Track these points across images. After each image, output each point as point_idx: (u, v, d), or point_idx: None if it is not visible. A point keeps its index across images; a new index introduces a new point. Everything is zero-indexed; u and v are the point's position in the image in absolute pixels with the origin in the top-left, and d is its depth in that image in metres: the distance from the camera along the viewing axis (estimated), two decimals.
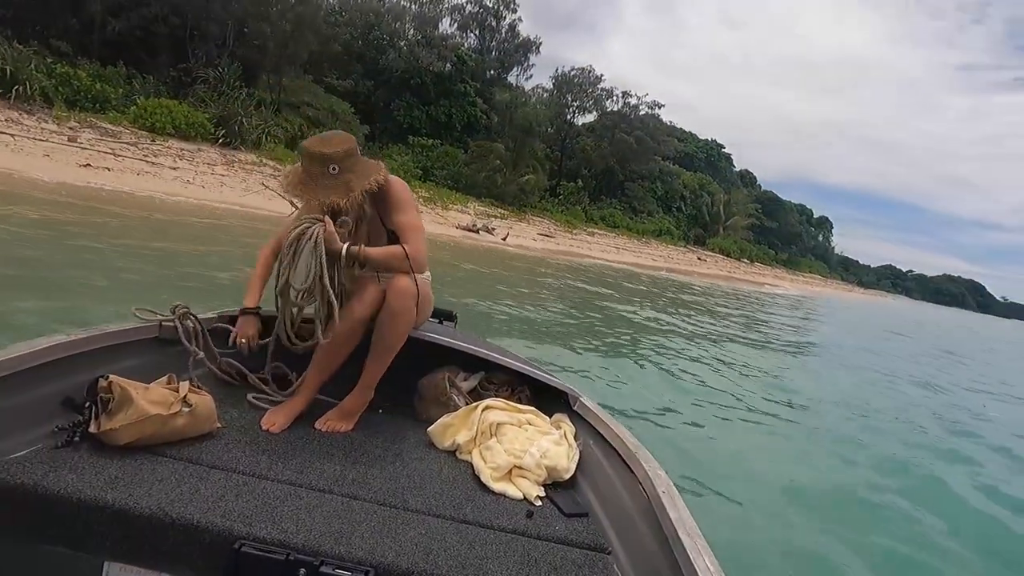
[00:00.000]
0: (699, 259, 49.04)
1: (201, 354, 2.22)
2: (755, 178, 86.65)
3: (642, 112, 48.86)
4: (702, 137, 74.74)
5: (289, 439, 2.01)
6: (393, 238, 2.26)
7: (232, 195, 17.79)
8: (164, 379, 1.89)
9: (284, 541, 1.40)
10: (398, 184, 2.30)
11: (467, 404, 2.34)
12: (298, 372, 2.31)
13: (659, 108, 50.43)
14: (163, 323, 2.18)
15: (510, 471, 1.99)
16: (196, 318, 2.26)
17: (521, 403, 2.36)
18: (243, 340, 2.32)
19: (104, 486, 1.45)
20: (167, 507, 1.42)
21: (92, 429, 1.66)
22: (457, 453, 2.17)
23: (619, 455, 1.96)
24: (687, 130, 70.74)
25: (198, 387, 1.94)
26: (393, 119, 35.98)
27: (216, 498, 1.51)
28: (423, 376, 2.56)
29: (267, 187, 18.56)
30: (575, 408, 2.36)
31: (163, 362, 2.11)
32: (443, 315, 3.03)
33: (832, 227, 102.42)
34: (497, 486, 1.93)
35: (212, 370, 2.31)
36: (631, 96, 47.99)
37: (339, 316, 2.09)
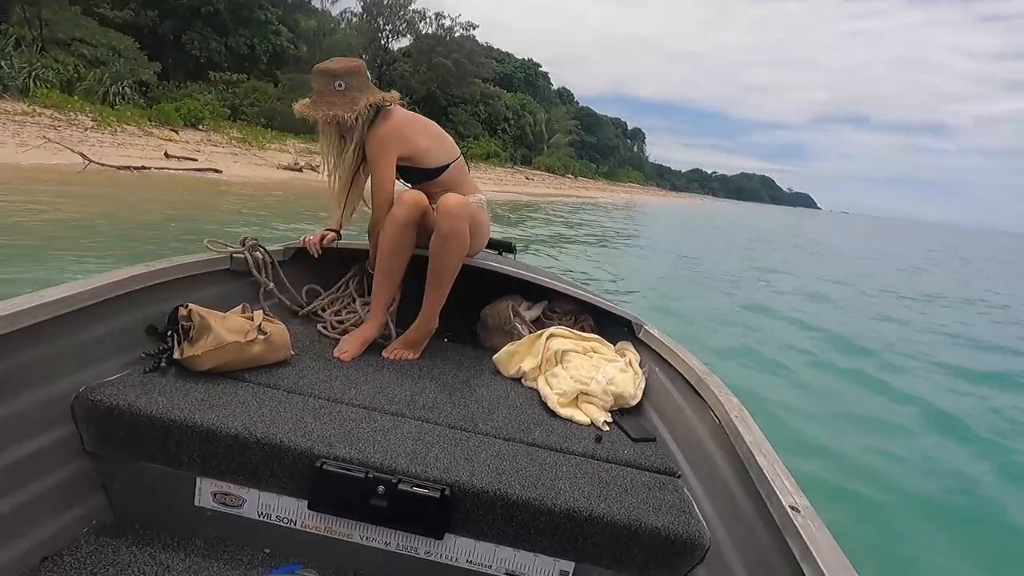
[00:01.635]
0: (527, 178, 48.62)
1: (271, 284, 2.30)
2: (572, 95, 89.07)
3: (457, 34, 48.56)
4: (519, 57, 75.22)
5: (360, 366, 2.06)
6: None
7: (7, 154, 14.56)
8: (239, 308, 1.94)
9: (362, 460, 1.46)
10: (395, 114, 2.30)
11: (531, 332, 2.34)
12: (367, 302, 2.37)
13: (473, 29, 50.51)
14: (234, 255, 2.24)
15: (576, 397, 2.01)
16: (265, 250, 2.32)
17: (585, 331, 2.36)
18: (310, 238, 2.41)
19: (192, 408, 1.52)
20: (251, 428, 1.49)
21: (176, 355, 1.72)
22: (523, 380, 2.19)
23: (687, 381, 1.97)
24: (504, 51, 71.93)
25: (271, 317, 2.00)
26: (187, 53, 31.61)
27: (296, 420, 1.57)
28: (486, 305, 2.56)
29: (50, 140, 16.13)
30: (640, 336, 2.37)
31: (236, 292, 2.19)
32: (502, 246, 3.05)
33: (645, 138, 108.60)
34: (564, 412, 1.95)
35: (282, 300, 2.37)
36: (445, 18, 48.15)
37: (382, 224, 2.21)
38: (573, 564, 1.49)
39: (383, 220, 2.21)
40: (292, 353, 1.95)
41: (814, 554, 1.06)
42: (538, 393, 2.07)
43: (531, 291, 2.56)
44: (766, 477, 1.32)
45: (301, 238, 2.46)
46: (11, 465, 1.34)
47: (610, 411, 2.02)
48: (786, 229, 47.68)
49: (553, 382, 2.07)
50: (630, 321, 2.43)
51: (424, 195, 2.23)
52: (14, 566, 1.31)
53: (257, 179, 20.37)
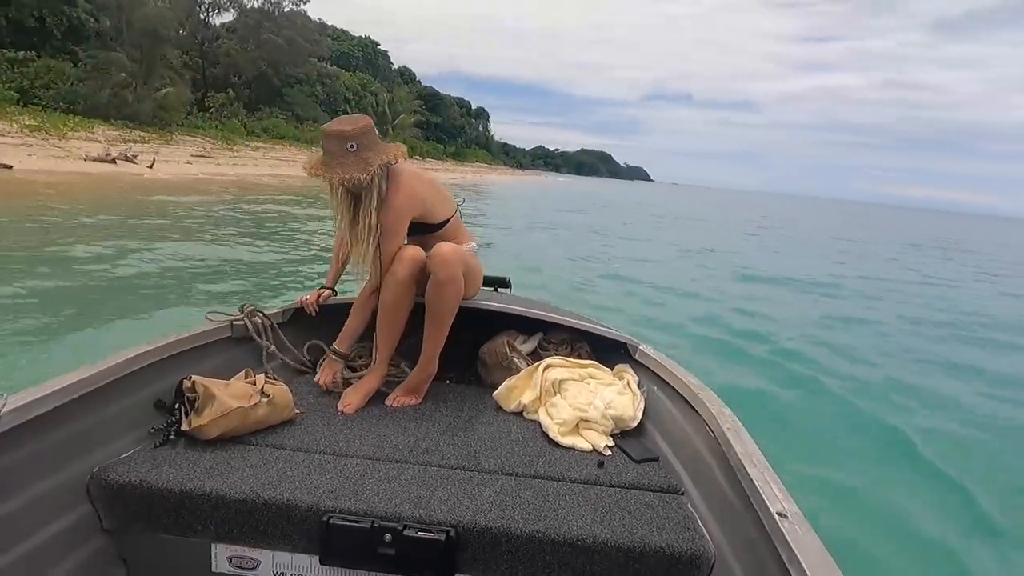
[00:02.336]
0: None
1: (272, 347, 2.37)
2: (414, 74, 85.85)
3: (287, 8, 45.31)
4: (356, 34, 73.63)
5: (363, 417, 2.12)
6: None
7: None
8: (242, 374, 2.00)
9: (368, 511, 1.50)
10: (404, 177, 2.32)
11: (528, 365, 2.39)
12: (370, 353, 2.43)
13: (304, 3, 47.16)
14: (234, 322, 2.32)
15: (577, 425, 2.04)
16: (263, 314, 2.41)
17: (581, 358, 2.41)
18: (307, 298, 2.54)
19: (201, 476, 1.57)
20: (259, 490, 1.54)
21: (184, 427, 1.78)
22: (524, 413, 2.23)
23: (683, 398, 2.00)
24: (339, 27, 69.97)
25: (274, 378, 2.07)
26: None
27: (302, 478, 1.62)
28: (484, 344, 2.61)
29: None
30: (636, 357, 2.40)
31: (239, 358, 2.26)
32: (496, 282, 3.11)
33: (489, 117, 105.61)
34: (566, 440, 1.98)
35: (285, 361, 2.44)
36: None
37: (382, 280, 2.27)
38: None
39: (385, 278, 2.28)
40: (296, 412, 2.01)
41: (800, 559, 1.09)
42: (540, 425, 2.10)
43: (525, 324, 2.61)
44: (756, 486, 1.36)
45: (298, 299, 2.55)
46: (34, 550, 1.39)
47: (611, 435, 2.05)
48: (642, 204, 51.22)
49: (553, 412, 2.11)
50: (625, 343, 2.47)
51: (421, 250, 2.28)
52: None
53: (61, 174, 17.65)
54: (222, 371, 2.02)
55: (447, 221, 2.44)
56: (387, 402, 2.25)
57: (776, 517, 1.23)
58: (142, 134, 28.07)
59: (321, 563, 1.52)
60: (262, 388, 1.88)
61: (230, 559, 1.56)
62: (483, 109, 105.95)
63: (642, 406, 2.17)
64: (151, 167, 22.94)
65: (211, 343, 2.19)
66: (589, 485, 1.73)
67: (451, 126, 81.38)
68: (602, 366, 2.35)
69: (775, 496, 1.31)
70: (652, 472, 1.83)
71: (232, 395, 1.80)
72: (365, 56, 71.40)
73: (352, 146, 2.15)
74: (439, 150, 71.02)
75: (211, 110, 38.67)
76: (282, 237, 11.79)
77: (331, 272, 2.63)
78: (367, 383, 2.27)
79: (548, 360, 2.32)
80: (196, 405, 1.79)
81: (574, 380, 2.23)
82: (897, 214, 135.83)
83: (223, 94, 40.56)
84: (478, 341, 2.65)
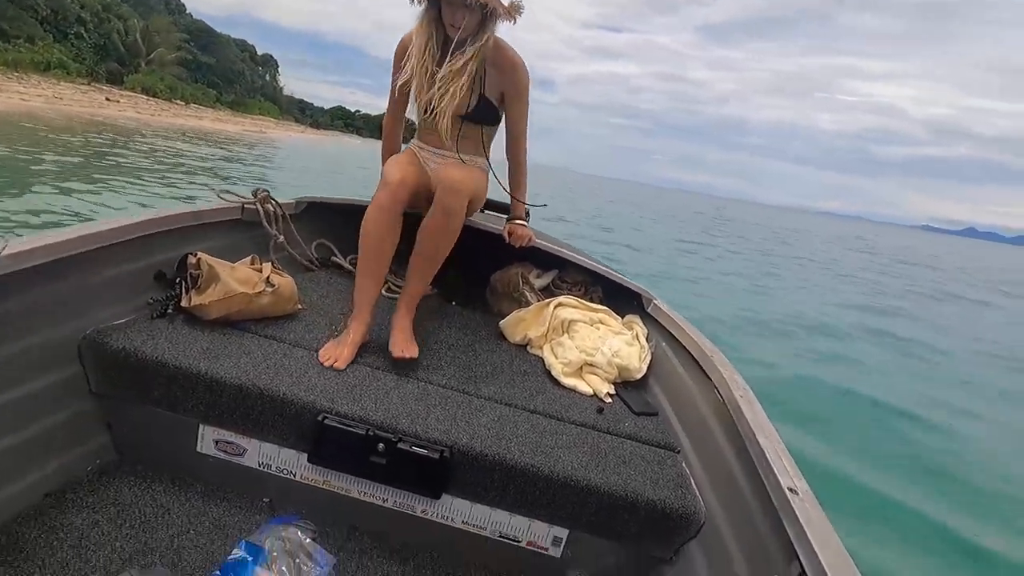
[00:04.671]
0: (108, 99, 36.25)
1: (281, 237, 2.28)
2: (184, 6, 72.85)
3: None
4: None
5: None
6: (483, 108, 2.04)
7: None
8: (248, 259, 1.93)
9: (364, 417, 1.46)
10: (519, 58, 2.01)
11: (539, 300, 2.33)
12: None
13: None
14: (245, 205, 2.22)
15: (581, 368, 2.00)
16: (277, 202, 2.31)
17: (594, 302, 2.34)
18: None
19: (197, 356, 1.52)
20: (255, 379, 1.49)
21: (184, 303, 1.72)
22: (528, 347, 2.18)
23: (693, 358, 1.95)
24: None
25: (279, 269, 1.98)
26: None
27: (300, 374, 1.57)
28: (496, 270, 2.54)
29: None
30: (648, 310, 2.35)
31: (246, 243, 2.18)
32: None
33: (278, 66, 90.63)
34: (567, 381, 1.94)
35: (292, 255, 2.36)
36: None
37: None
38: (567, 531, 1.49)
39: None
40: (300, 307, 1.95)
41: (809, 537, 1.05)
42: (542, 361, 2.06)
43: (542, 259, 2.53)
44: (766, 458, 1.31)
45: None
46: (18, 401, 1.36)
47: (614, 383, 2.01)
48: None
49: (558, 351, 2.06)
50: (640, 294, 2.41)
51: (411, 172, 1.96)
52: (16, 500, 1.33)
53: None
54: (227, 253, 1.94)
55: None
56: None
57: (787, 492, 1.19)
58: None
59: (309, 461, 1.49)
60: (268, 277, 1.82)
61: (216, 442, 1.53)
62: (270, 56, 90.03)
63: (648, 359, 2.12)
64: None
65: (219, 222, 2.11)
66: (586, 429, 1.70)
67: (229, 71, 68.26)
68: (613, 314, 2.28)
69: (786, 470, 1.27)
70: (650, 426, 1.80)
71: (237, 279, 1.74)
72: None
73: None
74: (212, 96, 58.44)
75: None
76: None
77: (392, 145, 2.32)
78: (352, 335, 1.80)
79: (560, 298, 2.26)
80: (199, 283, 1.72)
81: (584, 323, 2.17)
82: (676, 197, 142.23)
83: None
84: (490, 268, 2.58)
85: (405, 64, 2.00)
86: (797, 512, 1.12)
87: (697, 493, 1.51)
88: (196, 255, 1.75)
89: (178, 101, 48.64)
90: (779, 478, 1.23)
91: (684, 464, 1.64)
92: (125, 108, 35.49)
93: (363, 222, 1.87)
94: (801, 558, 1.06)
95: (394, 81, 2.10)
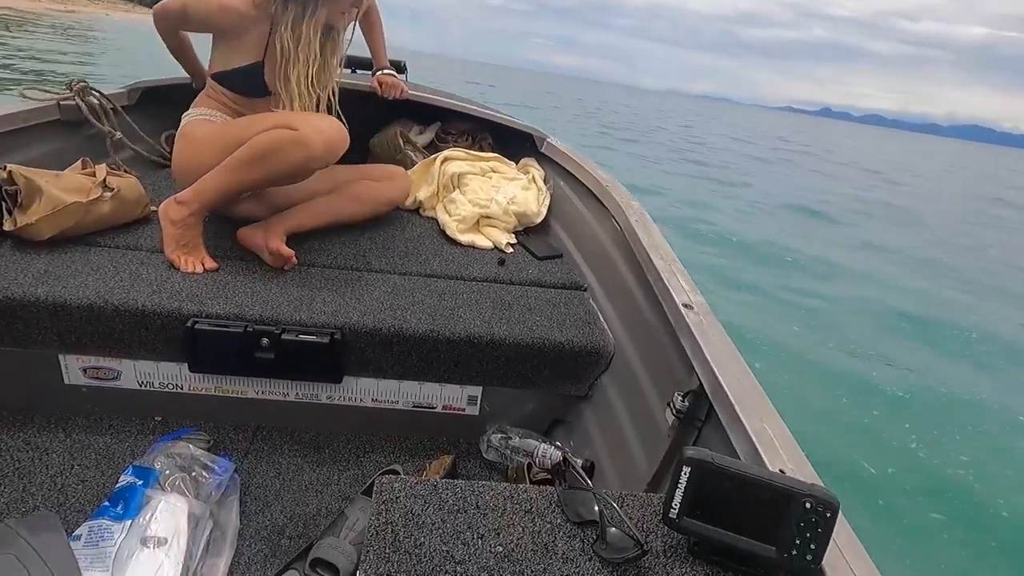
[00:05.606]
0: None
1: (119, 134, 1.99)
2: None
3: None
4: None
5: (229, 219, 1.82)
6: None
7: None
8: (78, 164, 1.67)
9: (240, 314, 1.35)
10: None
11: (424, 158, 2.18)
12: None
13: None
14: (62, 102, 1.92)
15: (477, 222, 1.91)
16: (100, 93, 2.00)
17: (483, 151, 2.21)
18: None
19: (33, 282, 1.34)
20: (107, 295, 1.33)
21: (8, 227, 1.48)
22: (420, 211, 2.06)
23: (591, 191, 1.90)
24: None
25: (125, 170, 1.76)
26: None
27: (160, 281, 1.42)
28: (374, 134, 2.34)
29: None
30: (542, 150, 2.25)
31: (72, 147, 1.91)
32: (391, 64, 2.71)
33: None
34: (464, 238, 1.86)
35: (137, 152, 2.08)
36: None
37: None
38: (481, 388, 1.47)
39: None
40: (152, 209, 1.72)
41: (703, 349, 1.05)
42: (437, 222, 1.96)
43: (421, 112, 2.35)
44: (661, 278, 1.30)
45: None
46: None
47: (514, 232, 1.94)
48: None
49: (451, 208, 1.95)
50: (532, 135, 2.29)
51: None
52: None
53: None
54: (51, 161, 1.68)
55: None
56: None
57: (681, 308, 1.18)
58: None
59: (191, 370, 1.38)
60: (104, 180, 1.57)
61: (84, 370, 1.39)
62: None
63: (547, 202, 2.05)
64: None
65: (32, 126, 1.83)
66: (488, 283, 1.64)
67: None
68: (505, 159, 2.17)
69: (680, 287, 1.26)
70: (555, 269, 1.76)
71: (65, 188, 1.49)
72: None
73: None
74: None
75: None
76: None
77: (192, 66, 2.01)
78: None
79: (446, 152, 2.11)
80: (19, 200, 1.47)
81: (475, 174, 2.05)
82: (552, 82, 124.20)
83: None
84: (367, 133, 2.37)
85: None
86: (692, 327, 1.11)
87: (605, 327, 1.50)
88: (5, 168, 1.48)
89: None
90: (674, 296, 1.22)
91: (591, 300, 1.62)
92: None
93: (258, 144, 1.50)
94: (697, 370, 1.06)
95: None
